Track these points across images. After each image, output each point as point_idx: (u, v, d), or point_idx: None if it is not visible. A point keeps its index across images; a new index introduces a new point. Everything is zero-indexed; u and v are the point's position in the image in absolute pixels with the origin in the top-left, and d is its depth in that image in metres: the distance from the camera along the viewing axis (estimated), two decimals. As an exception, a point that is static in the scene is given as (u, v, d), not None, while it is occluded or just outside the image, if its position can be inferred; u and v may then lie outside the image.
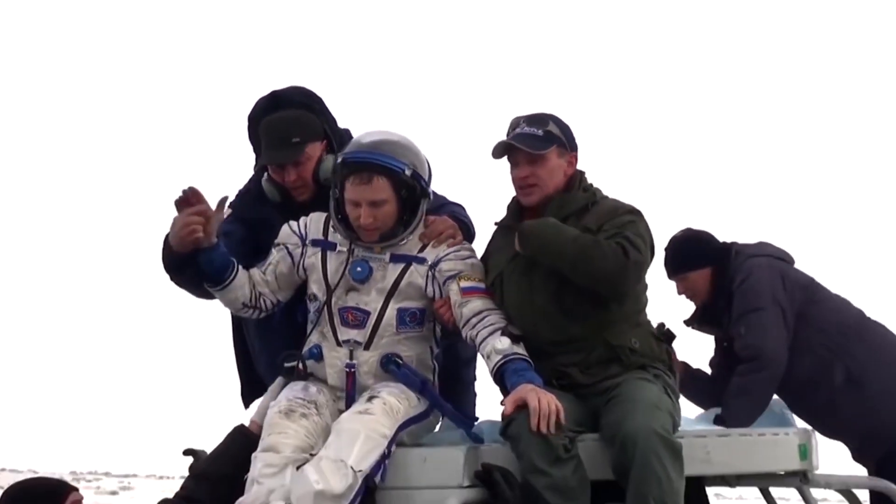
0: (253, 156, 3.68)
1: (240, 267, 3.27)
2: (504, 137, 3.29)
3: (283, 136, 3.39)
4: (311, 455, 3.04)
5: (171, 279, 3.40)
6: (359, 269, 3.22)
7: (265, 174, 3.51)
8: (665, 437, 2.92)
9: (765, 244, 4.10)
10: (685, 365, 4.05)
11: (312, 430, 3.12)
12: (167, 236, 3.25)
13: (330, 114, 3.61)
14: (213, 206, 3.24)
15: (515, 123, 3.27)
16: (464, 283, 3.23)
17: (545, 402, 2.91)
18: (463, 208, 3.62)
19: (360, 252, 3.23)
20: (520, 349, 3.12)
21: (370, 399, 3.12)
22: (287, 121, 3.44)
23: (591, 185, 3.36)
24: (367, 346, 3.22)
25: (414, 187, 3.18)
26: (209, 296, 3.36)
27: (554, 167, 3.24)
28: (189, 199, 3.19)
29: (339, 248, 3.26)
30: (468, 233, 3.50)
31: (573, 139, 3.31)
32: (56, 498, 2.98)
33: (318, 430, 3.13)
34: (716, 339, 4.16)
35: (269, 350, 3.52)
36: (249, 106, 3.67)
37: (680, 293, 4.05)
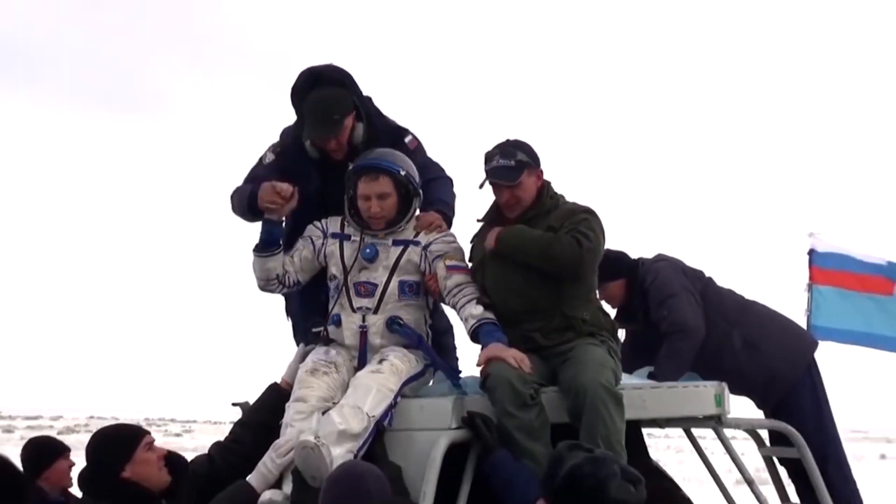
0: (294, 116, 3.92)
1: (283, 250, 3.67)
2: (483, 162, 3.64)
3: (326, 115, 3.67)
4: (332, 404, 3.41)
5: (237, 206, 3.77)
6: (368, 250, 3.63)
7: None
8: (610, 389, 3.27)
9: (661, 254, 4.50)
10: None
11: (332, 384, 3.50)
12: (256, 188, 3.63)
13: (357, 87, 3.84)
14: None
15: (490, 156, 3.60)
16: (448, 262, 3.63)
17: (513, 353, 3.35)
18: (450, 183, 3.96)
19: (369, 238, 3.65)
20: (489, 314, 3.53)
21: (380, 362, 3.49)
22: (328, 101, 3.68)
23: (555, 192, 3.72)
24: (375, 311, 3.61)
25: (408, 186, 3.61)
26: (254, 220, 3.72)
27: (527, 186, 3.60)
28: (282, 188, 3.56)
29: (352, 238, 3.68)
30: (448, 216, 3.86)
31: (537, 157, 3.64)
32: (133, 440, 3.09)
33: (337, 385, 3.51)
34: (627, 333, 4.48)
35: (305, 319, 3.92)
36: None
37: (601, 299, 4.35)
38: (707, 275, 4.48)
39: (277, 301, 4.11)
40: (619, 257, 4.47)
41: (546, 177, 3.72)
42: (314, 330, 3.71)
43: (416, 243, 3.66)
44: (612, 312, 4.41)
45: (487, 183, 3.64)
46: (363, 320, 3.62)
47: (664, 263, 4.37)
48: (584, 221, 3.54)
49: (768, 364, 4.28)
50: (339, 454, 3.16)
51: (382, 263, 3.64)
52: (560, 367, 3.42)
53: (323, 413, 3.38)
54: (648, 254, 4.58)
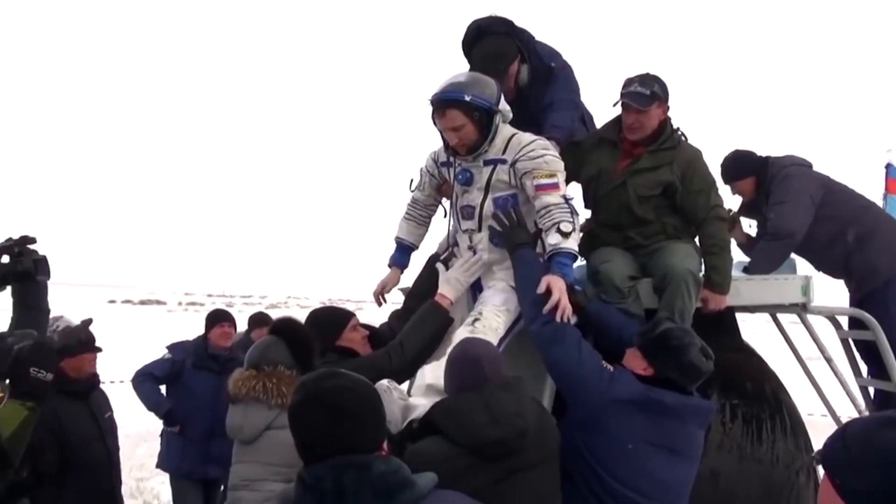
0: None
1: (411, 241, 3.53)
2: (622, 86, 3.38)
3: (492, 67, 3.35)
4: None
5: None
6: (461, 175, 3.18)
7: None
8: (693, 273, 3.18)
9: (791, 155, 4.06)
10: (747, 235, 4.20)
11: None
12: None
13: (519, 32, 3.47)
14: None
15: (630, 82, 3.34)
16: (536, 181, 3.03)
17: (559, 291, 2.84)
18: (567, 105, 3.52)
19: (463, 164, 3.21)
20: (564, 244, 2.96)
21: (474, 322, 3.06)
22: (491, 54, 3.41)
23: (675, 129, 3.38)
24: (478, 230, 3.21)
25: (481, 108, 3.02)
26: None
27: (652, 116, 3.32)
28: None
29: (454, 165, 3.25)
30: (557, 138, 3.35)
31: (668, 93, 3.34)
32: (342, 323, 3.05)
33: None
34: (759, 223, 4.16)
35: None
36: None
37: (733, 194, 4.12)
38: (830, 177, 4.07)
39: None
40: (748, 157, 4.10)
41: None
42: (437, 264, 3.40)
43: (504, 161, 3.09)
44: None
45: (620, 104, 3.35)
46: (470, 240, 3.25)
47: (793, 169, 3.93)
48: (707, 193, 3.29)
49: (873, 258, 3.96)
50: (426, 404, 2.65)
51: (477, 185, 3.15)
52: (652, 258, 3.29)
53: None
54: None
